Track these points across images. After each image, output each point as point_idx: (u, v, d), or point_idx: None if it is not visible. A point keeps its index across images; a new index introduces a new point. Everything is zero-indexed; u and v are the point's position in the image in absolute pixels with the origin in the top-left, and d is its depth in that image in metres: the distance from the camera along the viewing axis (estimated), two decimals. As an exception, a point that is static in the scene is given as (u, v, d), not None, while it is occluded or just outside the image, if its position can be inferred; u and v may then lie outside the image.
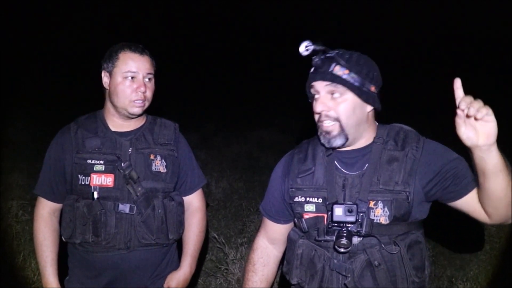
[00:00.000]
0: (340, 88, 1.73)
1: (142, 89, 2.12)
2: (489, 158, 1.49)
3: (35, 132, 7.66)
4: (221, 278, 4.00)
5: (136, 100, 2.13)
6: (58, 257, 2.25)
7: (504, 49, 11.72)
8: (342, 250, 1.71)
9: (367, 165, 1.79)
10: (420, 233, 1.80)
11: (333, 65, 1.74)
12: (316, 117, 1.79)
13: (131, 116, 2.19)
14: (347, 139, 1.77)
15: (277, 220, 2.06)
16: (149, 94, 2.17)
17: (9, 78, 9.33)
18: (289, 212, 2.00)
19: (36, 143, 6.78)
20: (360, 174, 1.79)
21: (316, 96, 1.79)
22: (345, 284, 1.74)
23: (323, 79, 1.74)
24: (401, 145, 1.79)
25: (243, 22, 16.50)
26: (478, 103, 1.44)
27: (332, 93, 1.74)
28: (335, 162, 1.85)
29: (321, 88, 1.75)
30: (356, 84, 1.74)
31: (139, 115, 2.22)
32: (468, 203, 1.71)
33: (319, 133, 1.80)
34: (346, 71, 1.73)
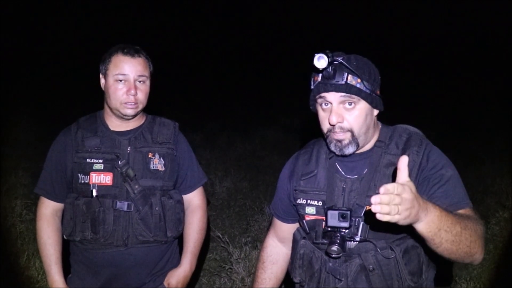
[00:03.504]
0: (355, 98, 1.70)
1: (133, 91, 2.13)
2: (418, 229, 1.42)
3: (38, 132, 7.68)
4: (225, 278, 4.00)
5: (127, 102, 2.14)
6: (61, 255, 2.27)
7: (503, 49, 11.70)
8: (334, 255, 1.71)
9: (366, 169, 1.79)
10: (419, 237, 1.77)
11: (345, 74, 1.69)
12: (328, 127, 1.75)
13: (125, 118, 2.21)
14: (358, 146, 1.75)
15: (285, 219, 2.09)
16: (141, 96, 2.18)
17: (12, 78, 9.35)
18: (295, 212, 2.00)
19: (39, 142, 6.80)
20: (359, 178, 1.78)
21: (326, 105, 1.75)
22: None
23: (338, 90, 1.69)
24: (402, 148, 1.76)
25: (247, 21, 16.50)
26: (387, 201, 1.28)
27: (345, 103, 1.71)
28: (337, 165, 1.85)
29: (334, 99, 1.71)
30: (368, 91, 1.72)
31: (134, 116, 2.23)
32: None
33: (329, 141, 1.77)
34: (359, 80, 1.70)
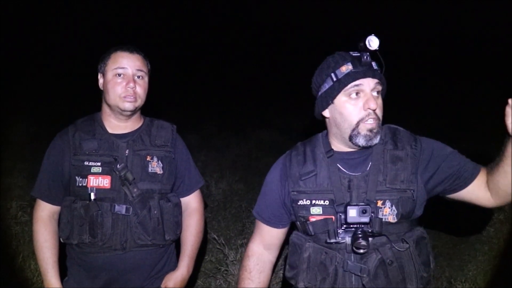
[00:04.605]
0: (382, 86, 1.78)
1: (131, 84, 2.13)
2: None
3: (34, 133, 7.66)
4: (221, 279, 4.00)
5: (126, 96, 2.14)
6: (58, 258, 2.26)
7: (502, 50, 11.73)
8: (361, 251, 1.71)
9: (370, 165, 1.80)
10: (423, 229, 1.83)
11: (374, 63, 1.76)
12: (361, 115, 1.74)
13: (124, 113, 2.19)
14: (380, 137, 1.79)
15: (274, 224, 2.02)
16: (140, 91, 2.18)
17: (9, 78, 9.32)
18: (288, 216, 1.97)
19: (35, 143, 6.77)
20: (364, 175, 1.79)
21: (356, 95, 1.75)
22: (363, 285, 1.75)
23: (374, 76, 1.74)
24: (401, 145, 1.81)
25: (243, 22, 16.50)
26: None
27: (374, 91, 1.76)
28: (337, 163, 1.85)
29: (369, 85, 1.74)
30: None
31: (132, 112, 2.22)
32: (474, 191, 1.77)
33: (355, 133, 1.76)
34: (379, 70, 1.78)
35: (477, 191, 1.76)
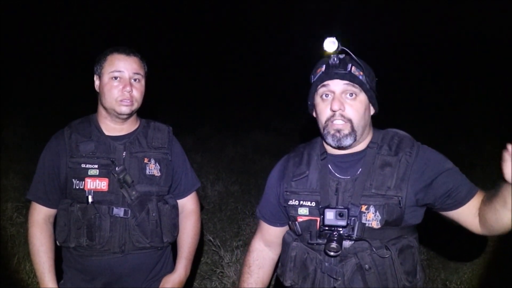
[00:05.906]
0: (357, 88, 1.76)
1: (128, 88, 2.11)
2: None
3: (30, 134, 7.64)
4: (216, 281, 3.99)
5: (123, 99, 2.12)
6: (54, 262, 2.24)
7: (497, 54, 11.76)
8: (332, 253, 1.72)
9: (360, 169, 1.80)
10: (413, 238, 1.81)
11: (350, 65, 1.76)
12: (328, 115, 1.77)
13: (120, 117, 2.18)
14: (355, 139, 1.78)
15: (273, 223, 2.08)
16: (136, 94, 2.16)
17: (4, 80, 9.30)
18: (284, 215, 2.00)
19: (31, 145, 6.76)
20: (353, 179, 1.80)
21: (327, 96, 1.78)
22: (335, 287, 1.76)
23: (343, 78, 1.75)
24: (395, 150, 1.80)
25: (240, 24, 16.51)
26: None
27: (347, 93, 1.76)
28: (329, 166, 1.86)
29: (337, 87, 1.76)
30: (368, 86, 1.78)
31: (129, 116, 2.20)
32: (462, 214, 1.74)
33: (326, 132, 1.79)
34: (361, 72, 1.77)
35: (466, 216, 1.74)
